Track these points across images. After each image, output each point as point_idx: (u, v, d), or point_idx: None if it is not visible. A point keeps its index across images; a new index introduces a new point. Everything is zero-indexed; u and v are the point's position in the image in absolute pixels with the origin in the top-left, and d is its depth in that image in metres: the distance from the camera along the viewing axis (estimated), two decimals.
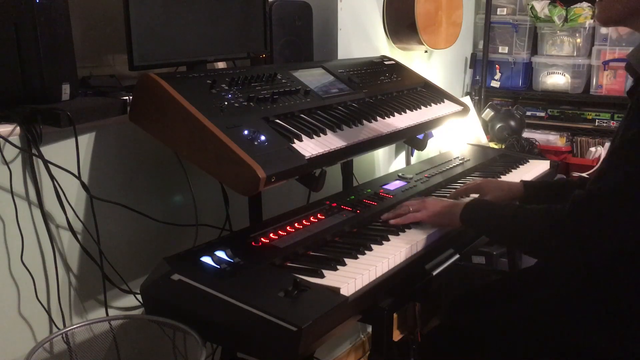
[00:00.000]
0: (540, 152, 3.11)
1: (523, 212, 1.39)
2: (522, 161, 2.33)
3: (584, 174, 3.09)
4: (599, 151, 3.13)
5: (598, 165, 1.30)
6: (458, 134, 2.81)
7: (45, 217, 1.40)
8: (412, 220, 1.54)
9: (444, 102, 2.13)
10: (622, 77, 3.07)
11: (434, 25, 2.60)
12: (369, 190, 1.84)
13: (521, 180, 1.78)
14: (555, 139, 3.27)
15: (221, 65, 1.83)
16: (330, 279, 1.26)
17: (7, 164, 1.32)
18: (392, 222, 1.55)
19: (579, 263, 1.34)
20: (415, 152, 2.77)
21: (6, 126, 1.30)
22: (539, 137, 3.27)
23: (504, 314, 1.51)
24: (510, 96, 3.40)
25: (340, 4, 2.19)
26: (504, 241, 1.55)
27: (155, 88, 1.38)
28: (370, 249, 1.42)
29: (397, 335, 2.76)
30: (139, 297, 1.57)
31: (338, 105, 1.72)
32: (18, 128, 1.31)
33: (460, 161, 2.28)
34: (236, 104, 1.45)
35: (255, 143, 1.33)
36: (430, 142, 2.41)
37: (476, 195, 1.77)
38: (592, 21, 3.11)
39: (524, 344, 1.43)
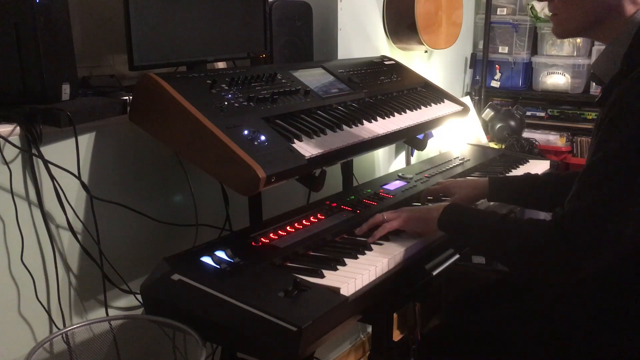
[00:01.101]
0: (540, 152, 3.11)
1: (505, 226, 1.33)
2: (522, 161, 2.33)
3: None
4: None
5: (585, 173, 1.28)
6: (458, 134, 2.81)
7: (45, 217, 1.40)
8: (388, 230, 1.48)
9: (444, 102, 2.13)
10: None
11: (434, 25, 2.60)
12: (369, 190, 1.84)
13: (488, 177, 1.79)
14: (555, 139, 3.27)
15: (221, 65, 1.83)
16: (330, 279, 1.26)
17: (7, 164, 1.32)
18: (369, 239, 1.46)
19: (566, 280, 1.31)
20: (415, 152, 2.77)
21: (6, 126, 1.30)
22: (539, 137, 3.27)
23: (504, 314, 1.51)
24: (510, 96, 3.40)
25: (340, 4, 2.19)
26: (483, 252, 1.49)
27: (155, 88, 1.38)
28: (370, 249, 1.42)
29: (397, 335, 2.76)
30: (139, 297, 1.57)
31: (338, 105, 1.72)
32: (18, 128, 1.31)
33: (460, 161, 2.28)
34: (236, 104, 1.45)
35: (255, 143, 1.33)
36: (430, 142, 2.41)
37: (446, 198, 1.77)
38: None
39: (524, 344, 1.43)
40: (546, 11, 3.12)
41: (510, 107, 3.26)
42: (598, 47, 3.11)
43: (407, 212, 1.51)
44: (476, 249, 1.47)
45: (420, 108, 1.97)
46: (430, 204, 1.71)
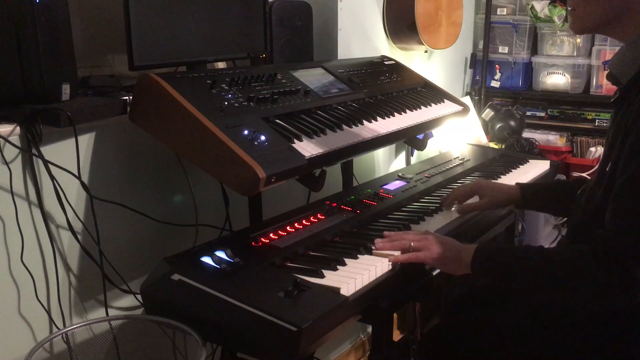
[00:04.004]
0: (540, 152, 3.11)
1: (548, 261, 1.29)
2: (522, 161, 2.33)
3: (584, 174, 3.09)
4: (599, 151, 3.13)
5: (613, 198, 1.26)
6: (458, 134, 2.81)
7: (45, 217, 1.40)
8: (415, 261, 1.39)
9: (444, 102, 2.13)
10: None
11: (434, 25, 2.60)
12: (369, 190, 1.84)
13: (516, 183, 1.77)
14: (555, 139, 3.27)
15: (221, 65, 1.83)
16: (330, 279, 1.26)
17: (7, 164, 1.32)
18: (391, 259, 1.37)
19: (627, 303, 1.27)
20: (415, 152, 2.77)
21: (6, 126, 1.30)
22: (539, 137, 3.27)
23: (504, 314, 1.51)
24: (510, 96, 3.40)
25: (340, 4, 2.19)
26: (525, 290, 1.43)
27: (155, 88, 1.37)
28: (370, 249, 1.42)
29: (397, 335, 2.76)
30: (139, 297, 1.57)
31: (338, 105, 1.72)
32: (18, 128, 1.31)
33: (460, 161, 2.28)
34: (236, 104, 1.45)
35: (255, 143, 1.33)
36: (430, 142, 2.41)
37: (475, 199, 1.76)
38: None
39: (524, 344, 1.43)
40: (546, 11, 3.13)
41: (510, 107, 3.26)
42: (598, 47, 3.11)
43: (436, 247, 1.39)
44: (520, 290, 1.43)
45: (420, 108, 1.97)
46: (453, 239, 1.51)
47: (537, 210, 1.79)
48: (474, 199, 1.76)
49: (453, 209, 1.74)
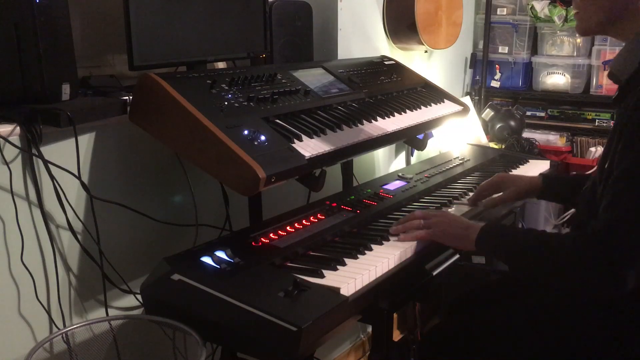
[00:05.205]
0: (540, 152, 3.11)
1: (544, 245, 1.31)
2: (522, 161, 2.33)
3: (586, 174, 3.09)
4: (599, 151, 3.13)
5: (609, 190, 1.27)
6: (458, 134, 2.81)
7: (45, 217, 1.40)
8: (421, 239, 1.45)
9: (444, 102, 2.13)
10: None
11: (434, 25, 2.60)
12: (369, 190, 1.84)
13: (540, 174, 1.77)
14: (555, 139, 3.27)
15: (221, 65, 1.83)
16: (330, 279, 1.26)
17: (7, 164, 1.32)
18: (401, 239, 1.46)
19: (616, 293, 1.26)
20: (415, 152, 2.77)
21: (6, 126, 1.30)
22: (539, 137, 3.28)
23: (504, 314, 1.51)
24: (510, 96, 3.40)
25: (340, 4, 2.19)
26: (525, 272, 1.48)
27: (155, 88, 1.38)
28: (370, 249, 1.42)
29: (397, 335, 2.76)
30: (139, 297, 1.57)
31: (338, 105, 1.72)
32: (18, 128, 1.31)
33: (460, 161, 2.28)
34: (236, 104, 1.45)
35: (255, 143, 1.33)
36: (430, 142, 2.41)
37: (498, 194, 1.76)
38: None
39: (524, 344, 1.43)
40: (546, 11, 3.13)
41: (510, 107, 3.26)
42: (598, 47, 3.11)
43: (442, 225, 1.46)
44: (519, 270, 1.49)
45: (420, 108, 1.97)
46: (464, 218, 1.60)
47: (557, 201, 1.81)
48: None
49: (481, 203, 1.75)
